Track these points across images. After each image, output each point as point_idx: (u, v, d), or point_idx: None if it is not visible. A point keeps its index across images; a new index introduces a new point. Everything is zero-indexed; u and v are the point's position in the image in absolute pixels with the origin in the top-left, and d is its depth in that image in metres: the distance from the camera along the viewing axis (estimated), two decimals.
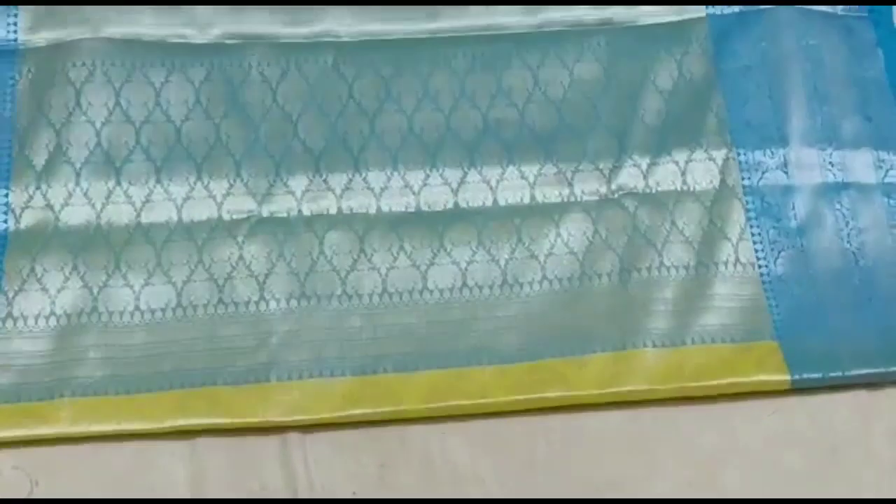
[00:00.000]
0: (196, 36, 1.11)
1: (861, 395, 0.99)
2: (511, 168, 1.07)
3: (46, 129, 1.05)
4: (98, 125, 1.06)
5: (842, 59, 1.14)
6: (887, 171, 1.10)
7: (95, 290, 0.99)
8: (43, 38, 1.10)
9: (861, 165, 1.10)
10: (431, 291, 1.02)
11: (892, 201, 1.08)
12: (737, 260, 1.04)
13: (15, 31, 1.10)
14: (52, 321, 0.98)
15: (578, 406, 0.97)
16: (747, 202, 1.07)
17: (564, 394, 0.96)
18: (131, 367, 0.97)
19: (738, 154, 1.09)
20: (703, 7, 1.16)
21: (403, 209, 1.05)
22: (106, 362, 0.97)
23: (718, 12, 1.16)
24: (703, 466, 0.95)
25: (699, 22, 1.15)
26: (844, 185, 1.09)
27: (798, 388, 0.98)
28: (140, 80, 1.08)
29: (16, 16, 1.10)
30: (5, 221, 1.02)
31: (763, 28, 1.15)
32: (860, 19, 1.17)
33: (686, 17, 1.16)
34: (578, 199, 1.06)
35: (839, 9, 1.17)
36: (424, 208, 1.05)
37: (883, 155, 1.10)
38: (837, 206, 1.08)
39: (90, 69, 1.08)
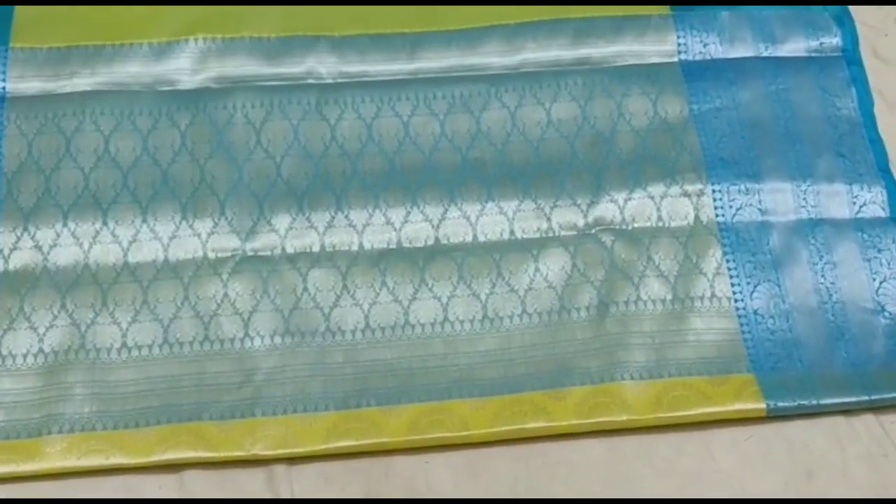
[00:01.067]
0: (183, 82, 1.14)
1: (838, 421, 1.01)
2: (490, 204, 1.09)
3: (36, 174, 1.07)
4: (87, 170, 1.08)
5: (814, 99, 1.17)
6: (860, 206, 1.12)
7: (83, 328, 1.01)
8: (32, 87, 1.12)
9: (835, 201, 1.12)
10: (413, 326, 1.03)
11: (865, 236, 1.10)
12: (713, 294, 1.06)
13: (3, 80, 1.12)
14: (41, 359, 0.99)
15: (559, 434, 0.98)
16: (723, 237, 1.09)
17: (545, 425, 0.98)
18: (119, 403, 0.98)
19: (713, 191, 1.11)
20: (675, 53, 1.19)
21: (385, 245, 1.07)
22: (94, 398, 0.98)
23: (690, 58, 1.19)
24: (682, 491, 0.96)
25: (672, 66, 1.18)
26: (818, 221, 1.11)
27: (774, 416, 0.99)
28: (128, 128, 1.10)
29: (4, 65, 1.13)
30: None
31: (734, 73, 1.17)
32: (834, 59, 1.19)
33: (658, 60, 1.19)
34: (556, 234, 1.08)
35: (813, 51, 1.20)
36: (406, 244, 1.07)
37: (856, 190, 1.12)
38: (812, 241, 1.09)
39: (79, 119, 1.10)
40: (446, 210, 1.09)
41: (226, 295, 1.03)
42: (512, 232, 1.08)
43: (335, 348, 1.02)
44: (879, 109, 1.17)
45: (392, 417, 0.98)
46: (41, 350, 1.00)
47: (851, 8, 1.22)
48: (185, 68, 1.14)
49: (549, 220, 1.09)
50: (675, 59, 1.19)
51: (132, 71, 1.14)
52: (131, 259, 1.04)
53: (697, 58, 1.19)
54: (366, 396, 0.99)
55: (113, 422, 0.96)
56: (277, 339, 1.02)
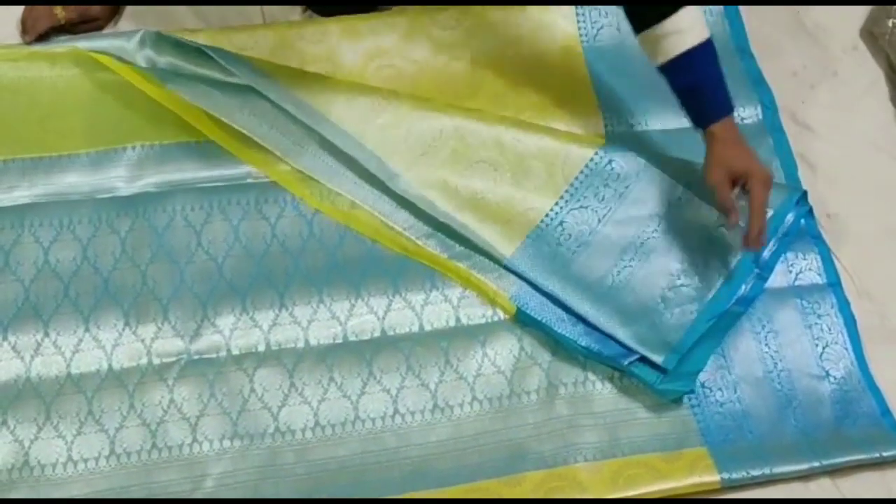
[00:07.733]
0: (122, 189, 1.13)
1: (794, 487, 1.01)
2: (435, 293, 1.09)
3: None
4: (27, 283, 1.07)
5: None
6: (797, 274, 1.13)
7: (27, 444, 0.99)
8: None
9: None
10: (363, 421, 1.02)
11: (804, 303, 1.11)
12: None
13: None
14: None
15: None
16: None
17: None
18: None
19: None
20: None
21: (331, 340, 1.06)
22: None
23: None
24: None
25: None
26: None
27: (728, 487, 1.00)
28: (68, 237, 1.09)
29: None
30: None
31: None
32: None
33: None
34: (502, 318, 1.09)
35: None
36: (352, 338, 1.07)
37: (792, 258, 1.14)
38: (752, 311, 1.10)
39: (18, 232, 1.09)
40: (391, 301, 1.09)
41: (172, 400, 1.02)
42: (458, 319, 1.08)
43: (286, 448, 1.01)
44: (803, 172, 1.20)
45: None
46: None
47: (769, 79, 1.25)
48: (123, 175, 1.14)
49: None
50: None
51: (71, 181, 1.13)
52: (74, 370, 1.03)
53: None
54: (318, 495, 0.98)
55: None
56: (226, 443, 1.00)
